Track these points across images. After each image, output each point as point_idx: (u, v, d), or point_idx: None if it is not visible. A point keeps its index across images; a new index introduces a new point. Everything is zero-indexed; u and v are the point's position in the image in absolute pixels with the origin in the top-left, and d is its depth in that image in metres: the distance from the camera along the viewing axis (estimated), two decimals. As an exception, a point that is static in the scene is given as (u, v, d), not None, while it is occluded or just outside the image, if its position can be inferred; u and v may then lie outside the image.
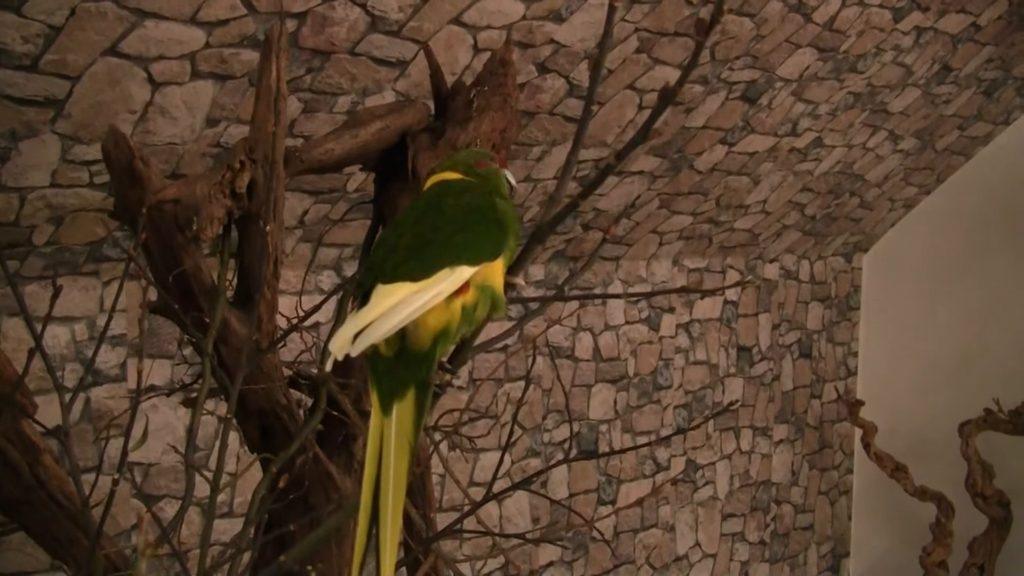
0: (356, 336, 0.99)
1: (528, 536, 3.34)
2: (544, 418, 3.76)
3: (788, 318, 4.81)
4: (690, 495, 4.40)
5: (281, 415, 1.66)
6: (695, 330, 4.35)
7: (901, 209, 5.01)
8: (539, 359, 3.70)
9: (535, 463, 3.72)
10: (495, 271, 1.08)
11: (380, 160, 1.80)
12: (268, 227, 1.54)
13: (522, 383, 3.57)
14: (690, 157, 3.54)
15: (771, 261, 4.67)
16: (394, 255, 1.06)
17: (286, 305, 1.86)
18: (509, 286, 1.12)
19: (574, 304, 3.79)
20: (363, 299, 1.05)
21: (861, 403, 4.72)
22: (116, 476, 1.28)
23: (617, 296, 1.29)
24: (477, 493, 3.42)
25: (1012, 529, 4.47)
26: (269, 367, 1.63)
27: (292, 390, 1.72)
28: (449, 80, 1.87)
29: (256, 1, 2.10)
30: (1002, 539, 4.47)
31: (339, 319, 1.84)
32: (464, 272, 1.04)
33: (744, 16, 2.98)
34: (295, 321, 1.62)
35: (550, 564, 3.84)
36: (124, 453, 1.34)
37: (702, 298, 4.35)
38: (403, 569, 1.73)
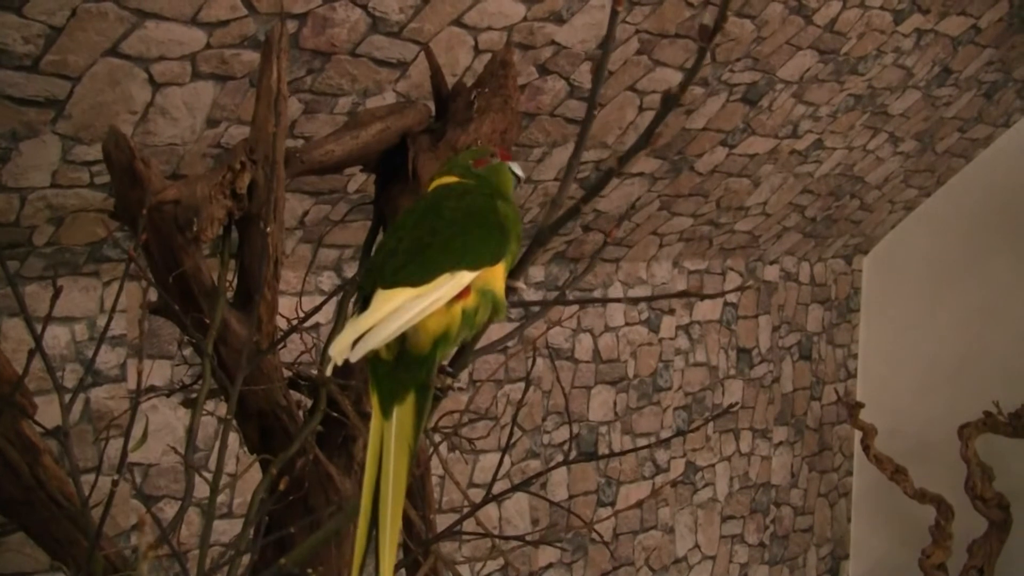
0: (356, 341, 0.99)
1: (527, 538, 3.34)
2: (544, 419, 3.76)
3: (788, 320, 4.81)
4: (690, 497, 4.40)
5: (281, 416, 1.66)
6: (695, 332, 4.35)
7: (901, 211, 5.01)
8: (539, 360, 3.70)
9: (535, 464, 3.72)
10: (496, 275, 1.08)
11: (381, 161, 1.80)
12: (268, 228, 1.54)
13: (522, 384, 3.57)
14: (690, 159, 3.54)
15: (771, 263, 4.67)
16: (394, 259, 1.06)
17: (286, 306, 1.86)
18: (510, 289, 1.12)
19: (574, 306, 3.79)
20: (363, 303, 1.05)
21: (861, 405, 4.72)
22: (116, 477, 1.28)
23: (618, 300, 1.29)
24: (476, 494, 3.42)
25: (1012, 532, 4.46)
26: (269, 368, 1.63)
27: (292, 391, 1.72)
28: (450, 81, 1.87)
29: (257, 2, 2.10)
30: (1001, 542, 4.46)
31: (339, 320, 1.84)
32: (465, 277, 1.04)
33: (745, 18, 2.98)
34: (295, 322, 1.62)
35: (549, 566, 3.83)
36: (124, 454, 1.34)
37: (702, 300, 4.35)
38: (403, 570, 1.73)
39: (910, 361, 5.07)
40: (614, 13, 0.97)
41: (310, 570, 1.39)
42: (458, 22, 2.44)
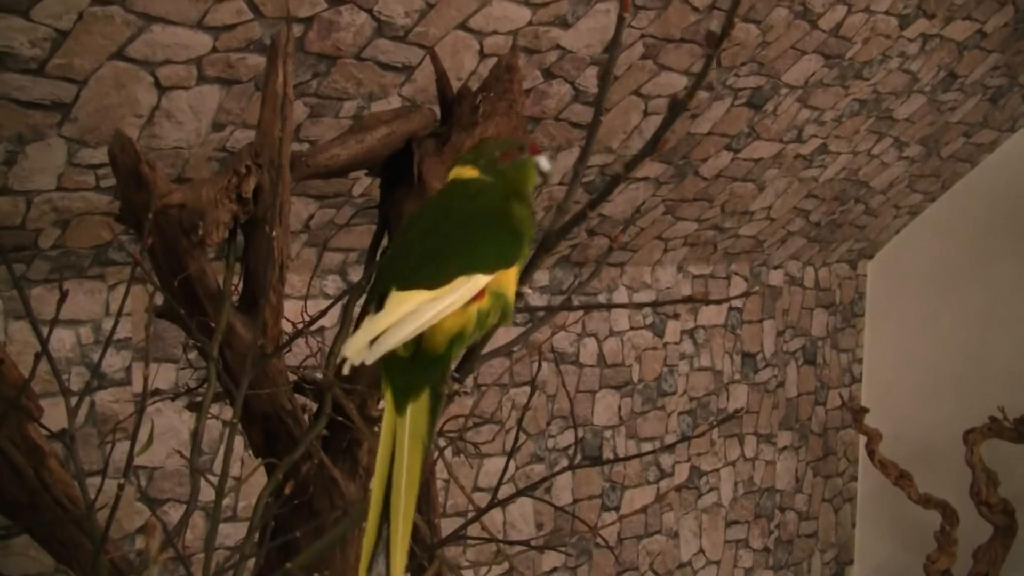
0: (372, 341, 1.00)
1: (532, 543, 3.34)
2: (548, 424, 3.75)
3: (792, 325, 4.81)
4: (694, 502, 4.40)
5: (286, 420, 1.66)
6: (700, 336, 4.34)
7: (906, 216, 5.01)
8: (544, 365, 3.70)
9: (539, 469, 3.71)
10: (509, 278, 1.08)
11: (386, 165, 1.80)
12: (274, 232, 1.54)
13: (527, 389, 3.57)
14: (695, 163, 3.54)
15: (776, 267, 4.67)
16: (408, 260, 1.06)
17: (291, 310, 1.86)
18: (517, 295, 1.12)
19: (579, 311, 3.79)
20: (378, 303, 1.05)
21: (865, 410, 4.71)
22: (122, 481, 1.28)
23: (623, 306, 1.29)
24: (481, 499, 3.42)
25: (1016, 537, 4.45)
26: (274, 372, 1.63)
27: (297, 395, 1.72)
28: (455, 85, 1.87)
29: (263, 6, 2.10)
30: (1006, 547, 4.45)
31: (344, 324, 1.83)
32: (480, 281, 1.04)
33: (750, 23, 2.98)
34: (300, 326, 1.62)
35: (554, 570, 3.83)
36: (130, 457, 1.34)
37: (707, 305, 4.35)
38: (408, 575, 1.73)
39: (915, 366, 5.06)
40: (621, 19, 0.97)
41: (316, 575, 1.39)
42: (463, 26, 2.44)
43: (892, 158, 4.35)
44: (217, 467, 2.79)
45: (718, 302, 1.19)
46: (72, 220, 2.29)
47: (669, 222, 3.83)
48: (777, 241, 4.46)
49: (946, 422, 4.74)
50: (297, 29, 2.20)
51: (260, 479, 1.62)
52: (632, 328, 4.04)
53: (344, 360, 1.01)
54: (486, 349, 1.17)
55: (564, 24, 2.61)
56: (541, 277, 3.64)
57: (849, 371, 5.18)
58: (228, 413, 1.77)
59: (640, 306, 1.21)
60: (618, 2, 2.62)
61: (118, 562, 1.63)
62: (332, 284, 3.04)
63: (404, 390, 1.02)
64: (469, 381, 3.43)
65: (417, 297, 1.02)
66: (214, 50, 2.13)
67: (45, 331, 1.39)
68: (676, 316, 4.23)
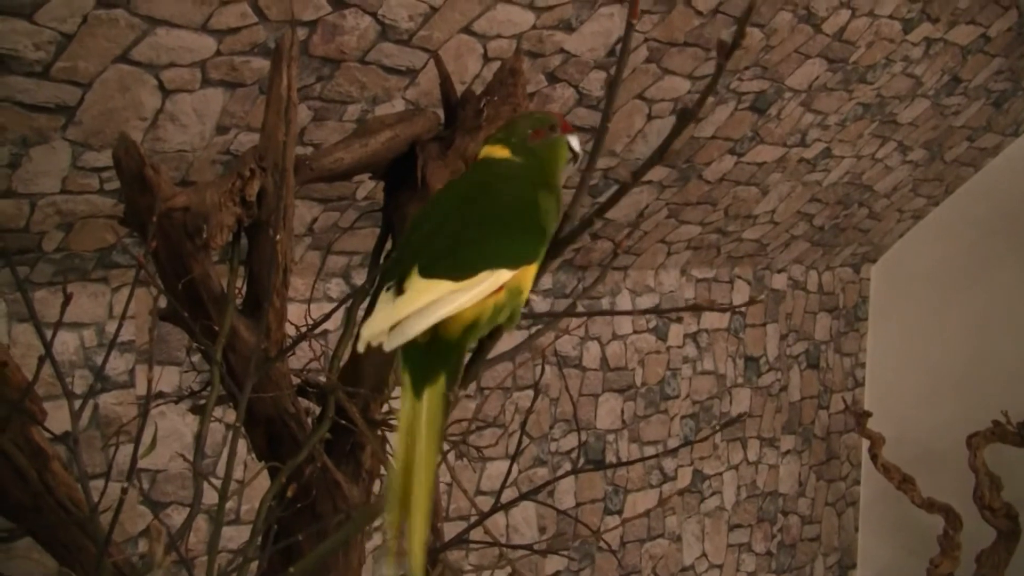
0: (392, 327, 1.01)
1: (535, 547, 3.34)
2: (551, 427, 3.75)
3: (796, 328, 4.80)
4: (697, 505, 4.39)
5: (289, 423, 1.66)
6: (703, 340, 4.34)
7: (909, 220, 5.00)
8: (547, 368, 3.70)
9: (542, 472, 3.71)
10: (529, 275, 1.09)
11: (389, 169, 1.80)
12: (278, 235, 1.54)
13: (530, 392, 3.56)
14: (699, 167, 3.54)
15: (779, 271, 4.67)
16: (433, 244, 1.07)
17: (295, 313, 1.86)
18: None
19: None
20: (398, 284, 1.05)
21: (869, 414, 4.70)
22: (125, 484, 1.28)
23: (627, 313, 1.29)
24: (484, 502, 3.42)
25: (1020, 541, 4.44)
26: (278, 375, 1.63)
27: (300, 398, 1.72)
28: (459, 89, 1.86)
29: (267, 9, 2.10)
30: (1010, 552, 4.44)
31: (348, 327, 1.83)
32: (503, 276, 1.05)
33: (754, 27, 2.98)
34: (304, 329, 1.62)
35: (556, 574, 3.83)
36: (134, 460, 1.34)
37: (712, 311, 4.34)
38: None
39: (918, 370, 5.06)
40: (629, 26, 0.97)
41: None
42: (467, 30, 2.45)
43: (896, 162, 4.35)
44: (220, 470, 2.79)
45: (724, 309, 1.20)
46: (76, 223, 2.29)
47: (672, 226, 3.82)
48: (780, 245, 4.46)
49: (949, 426, 4.74)
50: (301, 33, 2.20)
51: (263, 482, 1.62)
52: (635, 332, 4.04)
53: (360, 339, 1.02)
54: (491, 354, 1.18)
55: (568, 28, 2.61)
56: (544, 281, 3.64)
57: (852, 375, 5.18)
58: (231, 416, 1.77)
59: (642, 312, 1.21)
60: (622, 6, 2.62)
61: (121, 565, 1.63)
62: (336, 287, 3.04)
63: (422, 375, 1.03)
64: (472, 385, 3.43)
65: (441, 287, 1.03)
66: (218, 53, 2.14)
67: (49, 334, 1.38)
68: (679, 320, 4.23)
